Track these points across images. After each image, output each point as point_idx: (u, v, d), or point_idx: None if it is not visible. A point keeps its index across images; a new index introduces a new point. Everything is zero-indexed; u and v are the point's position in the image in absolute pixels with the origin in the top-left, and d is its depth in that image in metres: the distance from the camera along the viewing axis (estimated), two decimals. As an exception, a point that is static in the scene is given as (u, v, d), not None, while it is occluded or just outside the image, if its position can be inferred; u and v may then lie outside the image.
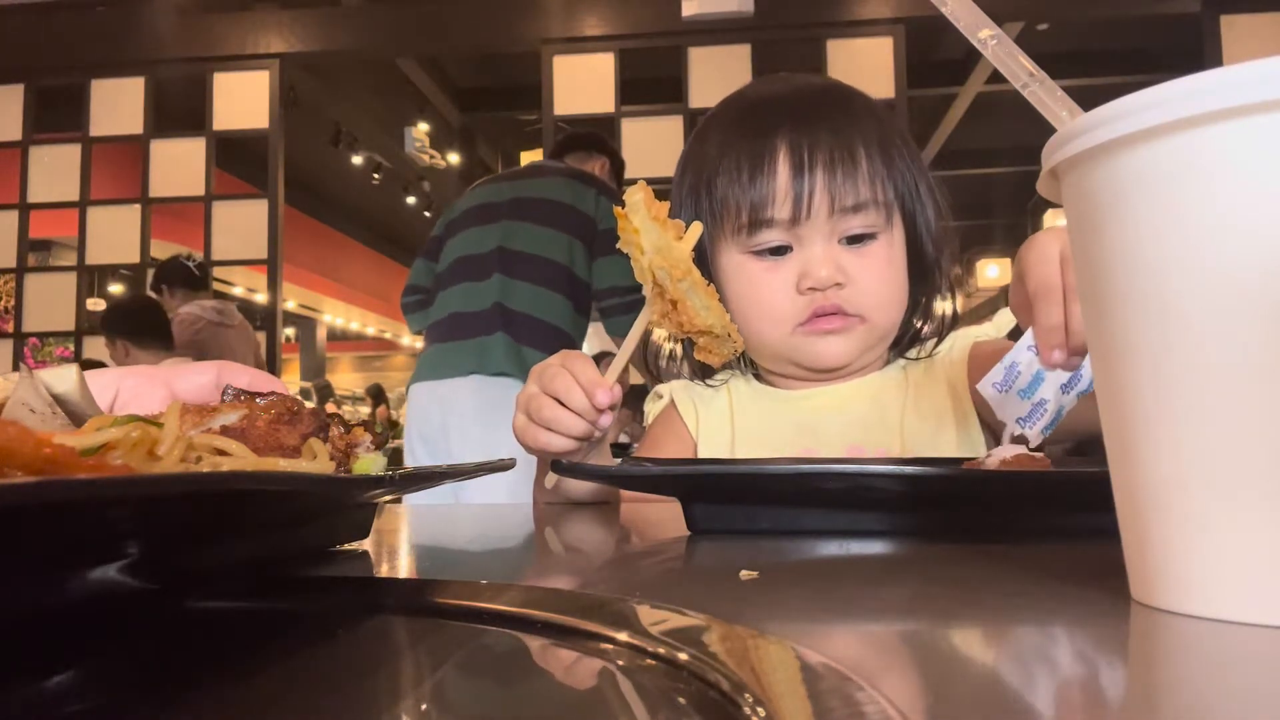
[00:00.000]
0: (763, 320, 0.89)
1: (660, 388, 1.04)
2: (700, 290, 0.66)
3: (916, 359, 0.96)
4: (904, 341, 0.96)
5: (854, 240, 0.87)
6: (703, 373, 1.01)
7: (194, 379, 0.48)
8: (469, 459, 2.03)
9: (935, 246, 0.93)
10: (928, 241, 0.93)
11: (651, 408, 1.05)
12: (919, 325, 0.95)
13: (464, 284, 2.20)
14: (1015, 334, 0.75)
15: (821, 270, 0.84)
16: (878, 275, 0.87)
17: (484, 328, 2.13)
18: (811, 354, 0.88)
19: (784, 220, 0.85)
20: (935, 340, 0.96)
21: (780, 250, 0.87)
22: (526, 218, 2.21)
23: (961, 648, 0.28)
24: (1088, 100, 0.33)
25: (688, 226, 0.90)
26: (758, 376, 1.01)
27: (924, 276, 0.94)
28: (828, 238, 0.86)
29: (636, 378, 2.89)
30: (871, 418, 0.91)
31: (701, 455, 0.95)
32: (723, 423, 0.97)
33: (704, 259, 0.92)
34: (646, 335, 0.91)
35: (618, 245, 0.66)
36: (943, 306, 0.96)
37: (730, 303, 0.90)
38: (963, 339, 0.96)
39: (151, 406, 0.45)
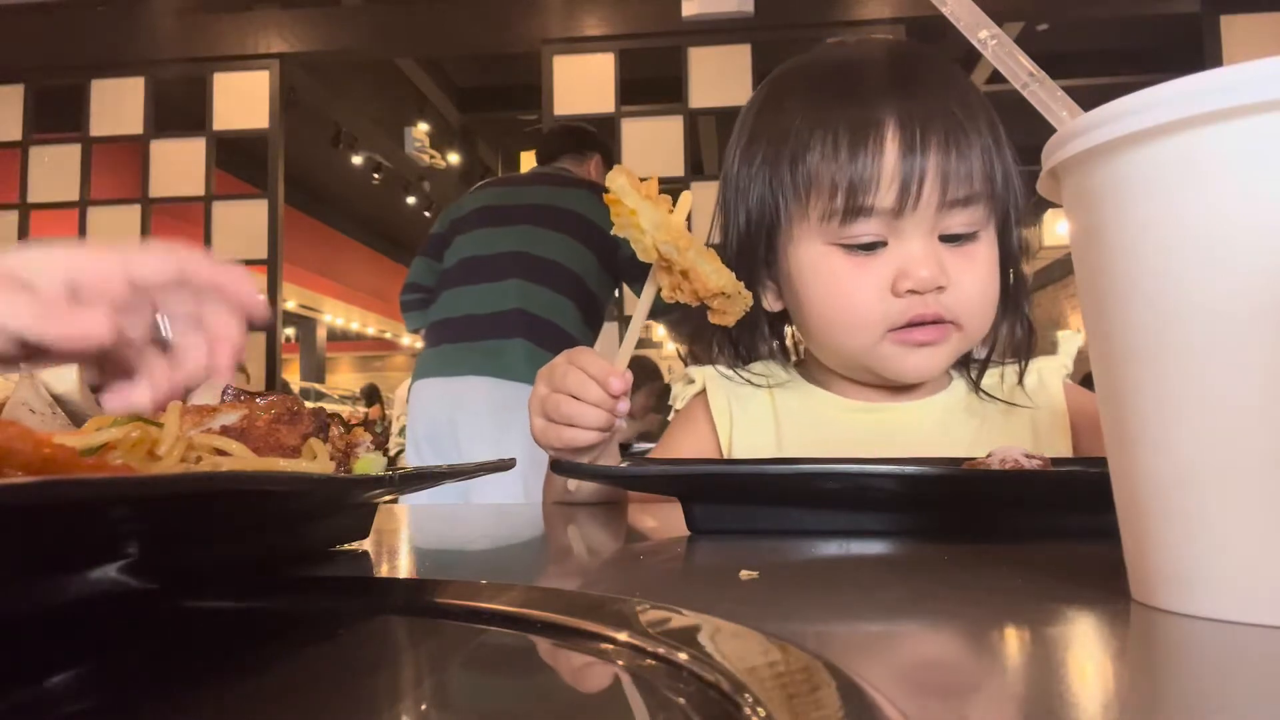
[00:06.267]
0: (849, 326, 0.78)
1: (693, 371, 0.92)
2: (705, 255, 0.68)
3: (993, 399, 0.84)
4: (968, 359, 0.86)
5: (952, 238, 0.76)
6: (738, 359, 0.90)
7: (153, 263, 0.45)
8: (480, 457, 2.00)
9: (1019, 252, 0.81)
10: (1015, 244, 0.80)
11: (681, 391, 0.93)
12: (990, 343, 0.84)
13: (478, 285, 2.17)
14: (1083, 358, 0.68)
15: (923, 270, 0.73)
16: (979, 278, 0.76)
17: (502, 331, 2.10)
18: (897, 368, 0.78)
19: (886, 210, 0.74)
20: (1016, 372, 0.84)
21: (873, 245, 0.76)
22: (553, 226, 2.19)
23: (961, 648, 0.28)
24: (1088, 100, 0.33)
25: (757, 201, 0.81)
26: (798, 365, 0.91)
27: (1004, 287, 0.81)
28: (928, 234, 0.75)
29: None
30: (936, 441, 0.82)
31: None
32: (764, 430, 0.86)
33: (767, 242, 0.81)
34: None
35: (613, 232, 0.67)
36: (1019, 329, 0.84)
37: (808, 301, 0.80)
38: (1049, 374, 0.85)
39: (109, 288, 0.42)
